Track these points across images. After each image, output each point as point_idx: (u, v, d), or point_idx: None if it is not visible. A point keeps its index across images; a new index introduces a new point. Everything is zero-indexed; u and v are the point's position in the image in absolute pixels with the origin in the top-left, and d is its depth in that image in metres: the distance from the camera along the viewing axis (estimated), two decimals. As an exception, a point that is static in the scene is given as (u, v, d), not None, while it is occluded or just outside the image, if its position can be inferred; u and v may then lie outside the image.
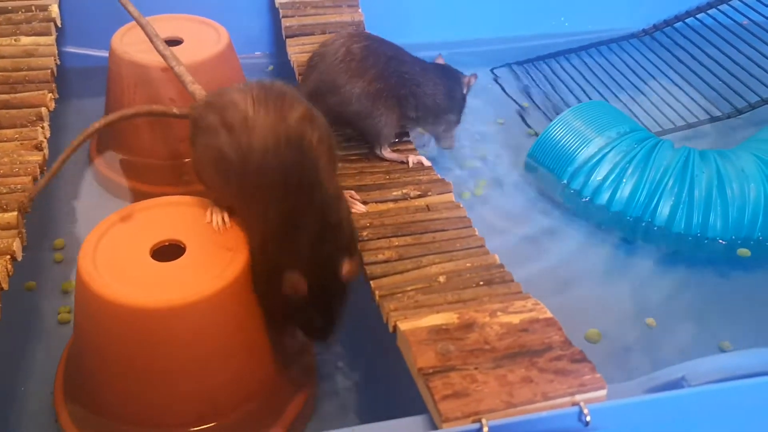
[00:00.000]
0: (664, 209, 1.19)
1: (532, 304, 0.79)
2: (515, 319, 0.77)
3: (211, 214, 0.91)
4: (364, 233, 0.94)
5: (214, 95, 0.94)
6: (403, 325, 0.76)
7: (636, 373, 0.94)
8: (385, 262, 0.89)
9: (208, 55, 1.22)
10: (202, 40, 1.25)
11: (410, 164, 1.13)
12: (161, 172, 1.25)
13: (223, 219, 0.90)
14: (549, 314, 0.78)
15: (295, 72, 1.31)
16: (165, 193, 1.19)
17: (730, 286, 1.14)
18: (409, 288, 0.83)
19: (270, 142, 0.83)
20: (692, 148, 1.24)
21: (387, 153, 1.14)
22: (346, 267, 0.81)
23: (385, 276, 0.86)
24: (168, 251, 0.88)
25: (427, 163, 1.14)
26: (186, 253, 0.86)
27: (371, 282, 0.85)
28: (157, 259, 0.86)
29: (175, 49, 1.22)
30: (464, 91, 1.23)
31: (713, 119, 1.42)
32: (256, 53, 1.63)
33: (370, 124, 1.12)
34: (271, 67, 1.60)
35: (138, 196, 1.24)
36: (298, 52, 1.34)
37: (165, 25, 1.28)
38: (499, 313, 0.78)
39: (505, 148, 1.40)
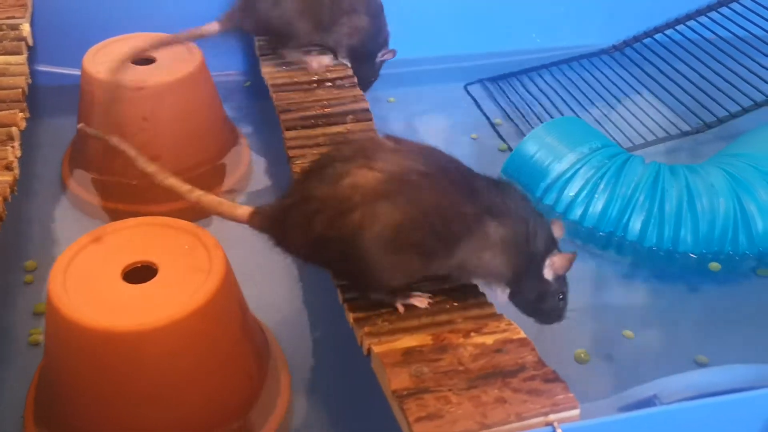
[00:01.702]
0: (636, 224, 1.20)
1: (505, 325, 0.80)
2: (489, 339, 0.77)
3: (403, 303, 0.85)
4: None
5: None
6: (377, 348, 0.76)
7: (623, 387, 0.94)
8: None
9: (181, 74, 1.21)
10: (175, 60, 1.25)
11: (314, 65, 1.32)
12: (135, 191, 1.24)
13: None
14: (522, 334, 0.78)
15: (269, 90, 1.31)
16: (139, 211, 1.19)
17: (701, 298, 1.16)
18: (383, 311, 0.83)
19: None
20: (662, 163, 1.26)
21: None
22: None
23: (359, 299, 0.85)
24: (140, 273, 0.87)
25: (328, 61, 1.32)
26: (158, 274, 0.86)
27: (345, 305, 0.85)
28: (128, 281, 0.85)
29: (147, 68, 1.23)
30: (376, 60, 1.37)
31: (683, 134, 1.45)
32: (231, 71, 1.63)
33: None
34: (247, 83, 1.60)
35: (112, 215, 1.24)
36: (271, 71, 1.34)
37: (138, 44, 1.27)
38: (473, 334, 0.78)
39: (479, 163, 1.39)
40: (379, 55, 1.38)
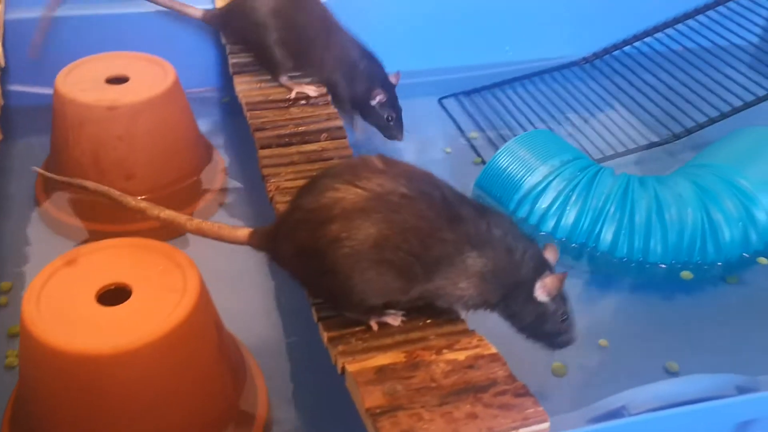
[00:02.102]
0: (607, 235, 1.22)
1: (477, 341, 0.81)
2: (461, 356, 0.78)
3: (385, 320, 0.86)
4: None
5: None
6: (351, 367, 0.77)
7: (600, 397, 0.95)
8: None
9: (154, 93, 1.22)
10: (148, 78, 1.25)
11: (292, 95, 1.30)
12: (110, 210, 1.23)
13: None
14: (493, 350, 0.79)
15: (243, 108, 1.31)
16: (115, 231, 1.19)
17: (672, 307, 1.18)
18: (357, 329, 0.84)
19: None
20: (632, 174, 1.28)
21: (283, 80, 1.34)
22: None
23: (333, 317, 0.86)
24: (114, 295, 0.87)
25: (313, 93, 1.30)
26: (132, 296, 0.86)
27: (320, 324, 0.86)
28: (102, 303, 0.85)
29: (121, 87, 1.23)
30: (372, 102, 1.33)
31: (652, 144, 1.47)
32: (206, 87, 1.63)
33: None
34: (226, 99, 1.61)
35: (87, 235, 1.24)
36: (245, 89, 1.35)
37: (111, 63, 1.28)
38: (445, 351, 0.79)
39: (453, 177, 1.42)
40: (373, 98, 1.33)
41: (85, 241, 1.23)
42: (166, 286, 0.87)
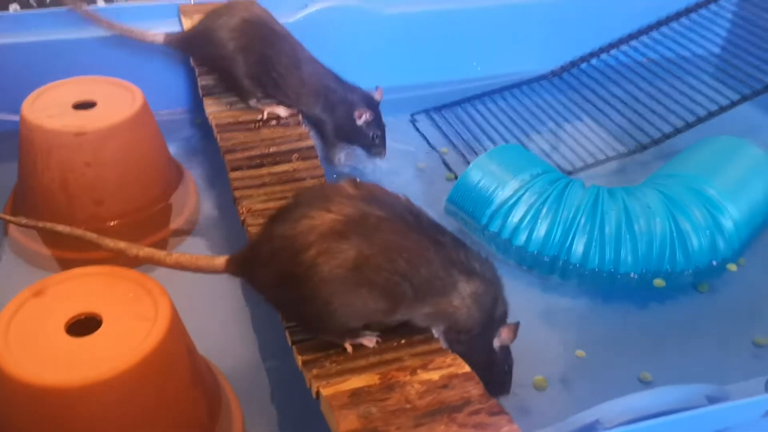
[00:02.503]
0: (579, 247, 1.24)
1: (451, 360, 0.81)
2: (435, 375, 0.79)
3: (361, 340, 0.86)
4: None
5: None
6: (326, 391, 0.77)
7: (581, 408, 0.96)
8: (307, 323, 0.89)
9: (122, 117, 1.21)
10: (116, 103, 1.24)
11: (264, 116, 1.30)
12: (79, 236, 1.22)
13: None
14: (467, 368, 0.80)
15: (213, 130, 1.31)
16: (84, 258, 1.18)
17: (644, 316, 1.19)
18: (332, 351, 0.84)
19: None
20: (601, 186, 1.30)
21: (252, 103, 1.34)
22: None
23: (307, 340, 0.86)
24: (84, 325, 0.86)
25: (284, 113, 1.31)
26: (102, 325, 0.85)
27: (294, 347, 0.86)
28: (72, 334, 0.84)
29: (88, 112, 1.22)
30: (358, 123, 1.31)
31: (620, 155, 1.49)
32: (177, 109, 1.62)
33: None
34: (199, 120, 1.60)
35: (57, 263, 1.22)
36: (215, 110, 1.34)
37: (78, 88, 1.27)
38: (419, 371, 0.79)
39: (426, 192, 1.43)
40: (356, 117, 1.32)
41: (56, 269, 1.22)
42: (136, 314, 0.86)
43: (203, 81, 1.41)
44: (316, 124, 1.34)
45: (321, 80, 1.33)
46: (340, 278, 0.80)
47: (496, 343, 0.89)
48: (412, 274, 0.81)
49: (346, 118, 1.32)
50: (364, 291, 0.80)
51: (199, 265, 0.93)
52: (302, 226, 0.81)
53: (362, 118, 1.31)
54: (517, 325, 0.89)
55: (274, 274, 0.84)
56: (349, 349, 0.84)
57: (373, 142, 1.34)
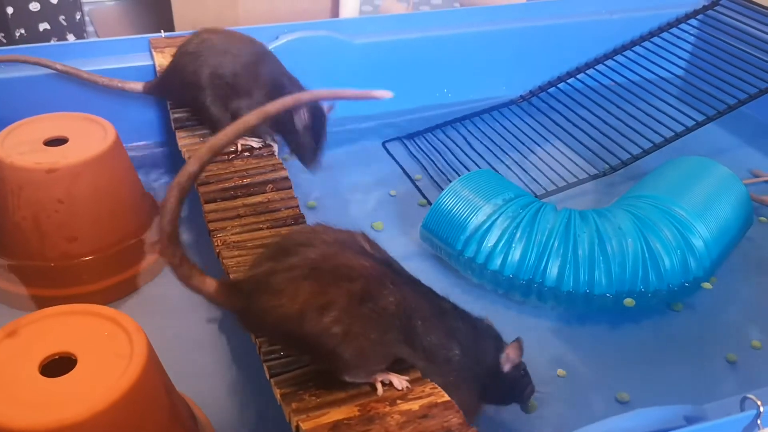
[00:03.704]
0: (553, 270, 1.25)
1: (430, 389, 0.82)
2: (415, 405, 0.79)
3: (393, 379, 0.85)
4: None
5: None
6: (305, 425, 0.77)
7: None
8: (285, 357, 0.89)
9: (94, 153, 1.20)
10: (88, 138, 1.24)
11: (238, 147, 1.31)
12: (53, 274, 1.21)
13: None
14: (447, 397, 0.80)
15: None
16: (58, 296, 1.17)
17: (621, 336, 1.21)
18: (310, 383, 0.84)
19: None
20: (573, 209, 1.31)
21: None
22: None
23: (285, 372, 0.86)
24: (59, 365, 0.85)
25: (256, 144, 1.30)
26: (77, 365, 0.84)
27: (272, 380, 0.85)
28: (47, 375, 0.83)
29: (60, 148, 1.21)
30: (298, 126, 1.28)
31: (591, 177, 1.52)
32: (151, 141, 1.62)
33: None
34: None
35: (30, 301, 1.21)
36: (188, 143, 1.34)
37: (49, 124, 1.26)
38: (398, 401, 0.79)
39: (399, 219, 1.44)
40: (296, 120, 1.27)
41: (29, 308, 1.20)
42: (112, 353, 0.85)
43: (176, 114, 1.42)
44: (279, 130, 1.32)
45: (276, 78, 1.32)
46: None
47: (507, 368, 0.92)
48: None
49: (285, 117, 1.27)
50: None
51: (191, 279, 0.86)
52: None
53: (303, 120, 1.26)
54: (519, 342, 0.93)
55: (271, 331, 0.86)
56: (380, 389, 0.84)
57: (306, 152, 1.29)
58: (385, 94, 0.80)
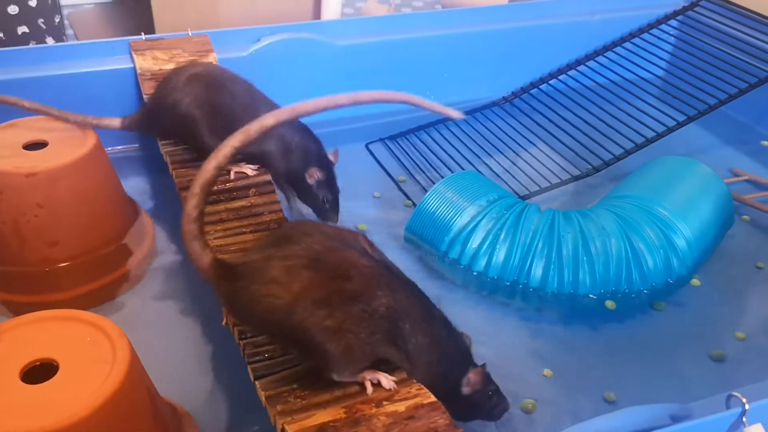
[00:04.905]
0: (537, 271, 1.25)
1: (416, 390, 0.81)
2: (401, 407, 0.78)
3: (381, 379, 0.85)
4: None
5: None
6: (291, 428, 0.76)
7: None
8: (270, 359, 0.88)
9: (74, 157, 1.19)
10: (67, 142, 1.22)
11: (231, 175, 1.25)
12: (33, 279, 1.20)
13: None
14: (433, 398, 0.80)
15: (169, 167, 1.30)
16: (39, 301, 1.15)
17: (606, 336, 1.21)
18: (295, 385, 0.83)
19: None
20: (556, 210, 1.32)
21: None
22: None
23: (270, 374, 0.85)
24: (40, 371, 0.84)
25: (251, 172, 1.25)
26: (59, 371, 0.83)
27: (257, 383, 0.84)
28: (28, 382, 0.82)
29: (39, 153, 1.20)
30: (309, 181, 1.25)
31: (574, 178, 1.52)
32: (132, 145, 1.61)
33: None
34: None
35: (10, 308, 1.19)
36: (171, 148, 1.33)
37: (28, 128, 1.25)
38: (385, 403, 0.79)
39: (383, 221, 1.44)
40: (307, 177, 1.25)
41: (8, 314, 1.18)
42: (94, 358, 0.84)
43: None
44: (268, 162, 1.28)
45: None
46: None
47: (467, 391, 0.89)
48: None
49: (298, 171, 1.25)
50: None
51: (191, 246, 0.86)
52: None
53: (313, 177, 1.24)
54: (482, 369, 0.90)
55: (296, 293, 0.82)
56: (369, 388, 0.83)
57: (323, 205, 1.26)
58: (458, 114, 0.83)
